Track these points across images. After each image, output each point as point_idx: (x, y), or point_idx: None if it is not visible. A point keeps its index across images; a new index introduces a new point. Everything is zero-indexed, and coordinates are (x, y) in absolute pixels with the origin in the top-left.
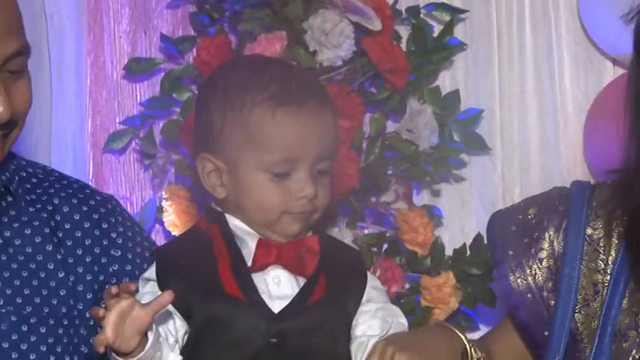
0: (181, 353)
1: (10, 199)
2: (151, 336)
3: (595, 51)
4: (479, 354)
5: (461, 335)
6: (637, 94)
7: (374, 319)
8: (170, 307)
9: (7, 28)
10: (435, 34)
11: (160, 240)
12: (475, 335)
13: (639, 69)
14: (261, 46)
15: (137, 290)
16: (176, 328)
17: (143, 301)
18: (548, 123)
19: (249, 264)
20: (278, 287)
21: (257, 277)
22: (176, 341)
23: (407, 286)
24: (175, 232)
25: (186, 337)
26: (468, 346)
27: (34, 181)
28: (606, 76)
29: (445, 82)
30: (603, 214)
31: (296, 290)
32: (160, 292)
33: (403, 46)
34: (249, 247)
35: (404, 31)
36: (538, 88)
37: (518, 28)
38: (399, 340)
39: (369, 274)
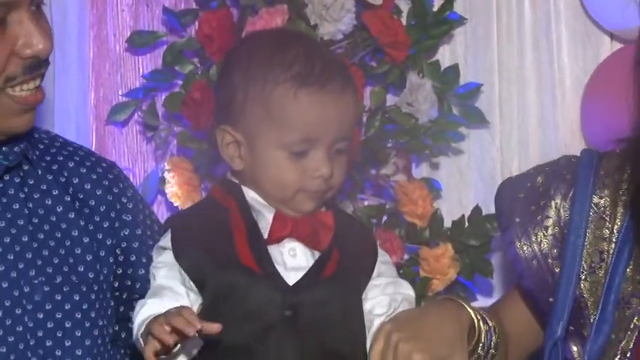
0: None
1: (26, 167)
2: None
3: (593, 26)
4: (489, 324)
5: (469, 309)
6: None
7: (383, 295)
8: (185, 279)
9: None
10: (435, 9)
11: (162, 211)
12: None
13: None
14: (262, 19)
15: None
16: (191, 303)
17: (159, 271)
18: (547, 97)
19: (266, 236)
20: (294, 259)
21: (273, 250)
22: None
23: (406, 257)
24: (177, 204)
25: (199, 309)
26: (475, 320)
27: (41, 147)
28: (604, 50)
29: (445, 56)
30: (610, 182)
31: (311, 263)
32: (174, 262)
33: (403, 20)
34: (265, 220)
35: (404, 5)
36: (536, 62)
37: (517, 4)
38: (404, 325)
39: (379, 249)
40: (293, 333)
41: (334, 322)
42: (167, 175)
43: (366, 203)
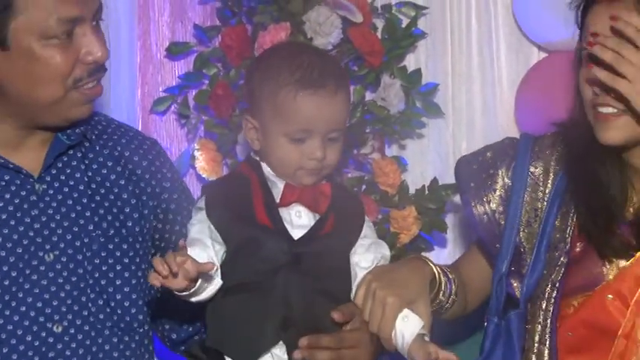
0: (222, 266)
1: (87, 144)
2: (199, 282)
3: (524, 39)
4: (449, 276)
5: (431, 264)
6: (578, 61)
7: (368, 253)
8: (213, 232)
9: None
10: (403, 26)
11: (192, 181)
12: (430, 254)
13: (580, 44)
14: (270, 34)
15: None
16: (216, 252)
17: (193, 227)
18: (489, 93)
19: (278, 201)
20: (299, 219)
21: (283, 212)
22: (217, 270)
23: (380, 216)
24: (205, 175)
25: (224, 255)
26: (436, 274)
27: (100, 127)
28: (532, 58)
29: (410, 62)
30: (543, 156)
31: (312, 223)
32: (207, 219)
33: (379, 34)
34: (278, 188)
35: (379, 23)
36: (481, 67)
37: (466, 21)
38: (381, 276)
39: (365, 216)
40: (296, 275)
41: (328, 269)
42: (196, 154)
43: (349, 175)
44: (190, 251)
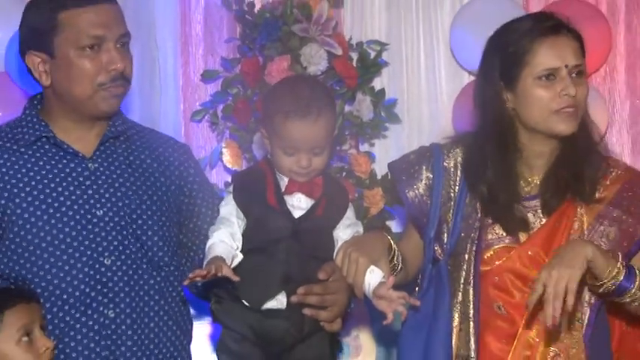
0: (242, 235)
1: (122, 138)
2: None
3: (458, 67)
4: (395, 247)
5: (389, 238)
6: (475, 91)
7: (348, 229)
8: (238, 211)
9: (120, 18)
10: (371, 57)
11: (220, 172)
12: (392, 222)
13: (480, 77)
14: (275, 64)
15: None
16: (239, 226)
17: (223, 208)
18: (433, 107)
19: (283, 190)
20: (299, 203)
21: (287, 198)
22: (237, 248)
23: (356, 195)
24: (229, 166)
25: (244, 227)
26: (392, 243)
27: (139, 130)
28: (464, 81)
29: (377, 83)
30: (452, 155)
31: (309, 206)
32: (233, 202)
33: (354, 63)
34: (284, 181)
35: (354, 55)
36: (427, 87)
37: (416, 55)
38: (354, 243)
39: (349, 202)
40: (295, 244)
41: (318, 240)
42: (224, 150)
43: (334, 165)
44: (221, 230)
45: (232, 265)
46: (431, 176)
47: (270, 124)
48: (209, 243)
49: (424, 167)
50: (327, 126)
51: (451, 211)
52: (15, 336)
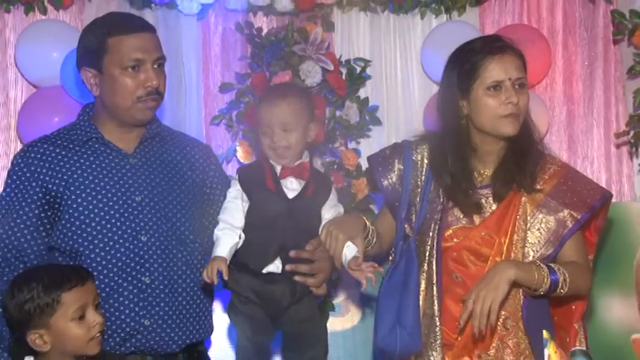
0: (246, 216)
1: (157, 139)
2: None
3: (427, 79)
4: (369, 225)
5: (364, 218)
6: (438, 99)
7: (331, 209)
8: (242, 195)
9: (157, 44)
10: (358, 72)
11: (235, 164)
12: (374, 206)
13: (441, 88)
14: (279, 77)
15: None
16: (243, 207)
17: (229, 193)
18: (408, 112)
19: (279, 175)
20: (292, 185)
21: (282, 181)
22: (240, 227)
23: (345, 184)
24: (242, 160)
25: (247, 207)
26: (368, 223)
27: (171, 133)
28: (433, 91)
29: (362, 93)
30: (420, 150)
31: (300, 188)
32: (239, 187)
33: (343, 77)
34: (278, 168)
35: (344, 70)
36: (403, 96)
37: (394, 69)
38: (335, 222)
39: (332, 186)
40: (289, 220)
41: (308, 217)
42: (237, 148)
43: (327, 160)
44: (227, 215)
45: (239, 246)
46: (402, 167)
47: (257, 117)
48: (216, 232)
49: (396, 160)
50: (294, 108)
51: (419, 196)
52: (70, 315)
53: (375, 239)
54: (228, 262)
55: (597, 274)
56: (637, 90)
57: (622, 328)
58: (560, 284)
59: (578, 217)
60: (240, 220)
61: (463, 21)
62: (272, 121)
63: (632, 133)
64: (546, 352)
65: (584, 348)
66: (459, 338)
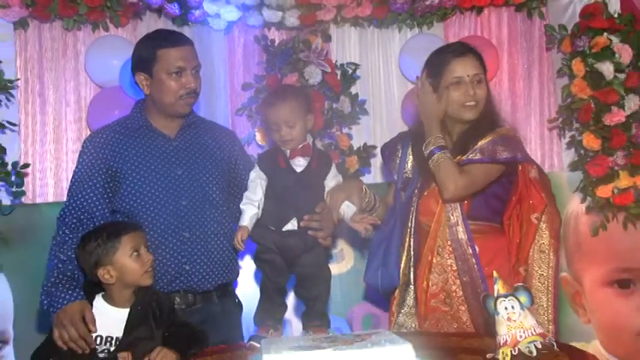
0: (266, 190)
1: (193, 126)
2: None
3: (404, 79)
4: (373, 194)
5: (362, 182)
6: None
7: (332, 180)
8: (261, 175)
9: (195, 54)
10: (350, 73)
11: (254, 146)
12: (364, 177)
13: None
14: (288, 78)
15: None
16: (262, 185)
17: (251, 174)
18: (389, 105)
19: (289, 156)
20: (299, 162)
21: (291, 161)
22: (260, 200)
23: (340, 160)
24: (260, 144)
25: (266, 183)
26: (364, 186)
27: (204, 122)
28: (409, 87)
29: (353, 90)
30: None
31: (306, 163)
32: (259, 169)
33: (338, 77)
34: (288, 152)
35: (339, 72)
36: (385, 92)
37: (378, 71)
38: (336, 186)
39: (332, 161)
40: (299, 189)
41: (314, 185)
42: (256, 134)
43: (326, 142)
44: (250, 195)
45: (259, 215)
46: (400, 152)
47: (265, 117)
48: (241, 206)
49: (398, 145)
50: (293, 107)
51: (410, 172)
52: (128, 252)
53: (376, 202)
54: (250, 229)
55: None
56: (564, 86)
57: None
58: (432, 157)
59: (481, 156)
60: (259, 195)
61: (431, 33)
62: (278, 120)
63: (560, 119)
64: (496, 287)
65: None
66: (420, 270)
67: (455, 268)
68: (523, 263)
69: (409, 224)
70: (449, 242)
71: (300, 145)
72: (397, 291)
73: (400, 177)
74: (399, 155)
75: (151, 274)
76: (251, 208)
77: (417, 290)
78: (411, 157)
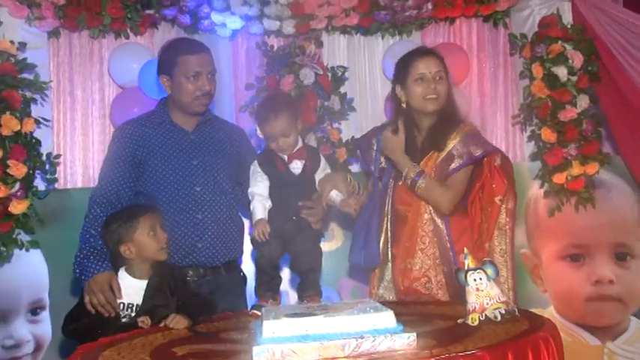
0: (269, 190)
1: (208, 123)
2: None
3: (387, 80)
4: (350, 178)
5: (347, 173)
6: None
7: (322, 172)
8: (262, 174)
9: (211, 60)
10: (339, 75)
11: (256, 139)
12: (351, 166)
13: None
14: (285, 79)
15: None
16: (264, 181)
17: (257, 173)
18: (374, 103)
19: (287, 161)
20: (297, 165)
21: (289, 164)
22: (267, 194)
23: (331, 151)
24: (261, 137)
25: (268, 183)
26: (349, 177)
27: (217, 119)
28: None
29: (342, 89)
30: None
31: (301, 166)
32: (260, 171)
33: (329, 79)
34: (285, 157)
35: (330, 73)
36: (370, 91)
37: (364, 74)
38: (325, 177)
39: (322, 157)
40: (296, 187)
41: (308, 181)
42: (258, 129)
43: (319, 135)
44: (257, 185)
45: (269, 207)
46: (375, 145)
47: (261, 130)
48: (254, 203)
49: (373, 139)
50: (286, 119)
51: (384, 163)
52: (146, 231)
53: (360, 188)
54: (267, 219)
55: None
56: (525, 87)
57: (516, 245)
58: (416, 185)
59: (460, 162)
60: (266, 191)
61: (410, 40)
62: (274, 133)
63: (522, 116)
64: (466, 262)
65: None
66: (398, 251)
67: (437, 255)
68: (487, 240)
69: (386, 209)
70: (431, 232)
71: (296, 149)
72: (377, 268)
73: (376, 167)
74: (374, 148)
75: (166, 250)
76: (262, 202)
77: (394, 270)
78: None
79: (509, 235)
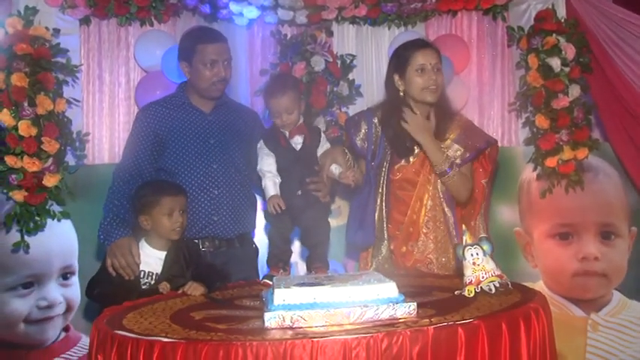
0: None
1: (224, 105)
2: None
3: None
4: (348, 153)
5: (344, 148)
6: (386, 80)
7: (322, 148)
8: (269, 151)
9: (227, 49)
10: (348, 62)
11: (268, 122)
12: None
13: (388, 72)
14: (297, 66)
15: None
16: (273, 158)
17: (263, 151)
18: (380, 88)
19: (288, 137)
20: (297, 141)
21: (291, 140)
22: (274, 166)
23: (339, 134)
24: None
25: (274, 159)
26: (345, 151)
27: (233, 102)
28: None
29: (350, 76)
30: (377, 115)
31: (302, 140)
32: (265, 146)
33: (338, 66)
34: (287, 133)
35: (339, 61)
36: (377, 77)
37: (370, 61)
38: (325, 152)
39: (322, 133)
40: (299, 161)
41: (310, 156)
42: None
43: (328, 119)
44: (265, 165)
45: (279, 182)
46: (366, 128)
47: (267, 105)
48: (265, 181)
49: (362, 122)
50: (291, 97)
51: (376, 145)
52: (164, 211)
53: (354, 164)
54: (279, 194)
55: (496, 192)
56: (520, 77)
57: (509, 224)
58: (447, 175)
59: (467, 155)
60: (274, 167)
61: (415, 31)
62: (279, 109)
63: (518, 103)
64: (464, 238)
65: (487, 236)
66: (399, 233)
67: (439, 239)
68: (473, 218)
69: (380, 190)
70: (434, 216)
71: (297, 125)
72: (371, 247)
73: (369, 150)
74: (364, 131)
75: (179, 232)
76: (273, 179)
77: (394, 251)
78: (375, 131)
79: (484, 213)
